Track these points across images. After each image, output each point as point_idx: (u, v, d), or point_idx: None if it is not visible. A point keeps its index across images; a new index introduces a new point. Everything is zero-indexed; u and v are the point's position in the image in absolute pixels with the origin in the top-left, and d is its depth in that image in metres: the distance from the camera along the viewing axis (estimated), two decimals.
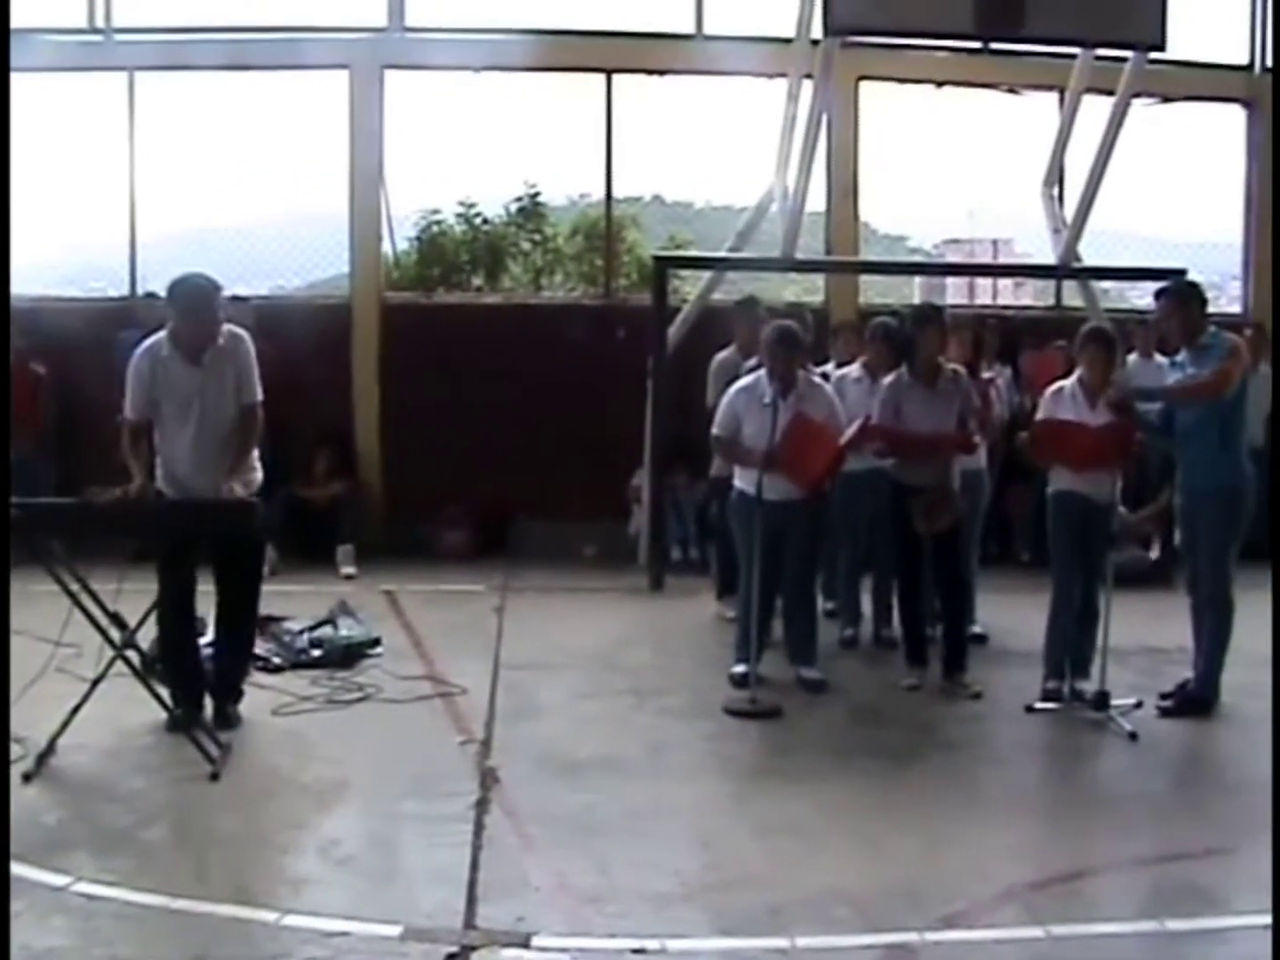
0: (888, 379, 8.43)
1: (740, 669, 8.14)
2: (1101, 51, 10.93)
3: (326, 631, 8.65)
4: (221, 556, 7.20)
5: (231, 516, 6.92)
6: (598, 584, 11.08)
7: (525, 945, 4.87)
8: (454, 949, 4.78)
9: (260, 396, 7.21)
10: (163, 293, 7.34)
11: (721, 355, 9.70)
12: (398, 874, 5.56)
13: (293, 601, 9.18)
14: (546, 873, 5.52)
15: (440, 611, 9.96)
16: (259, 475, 7.31)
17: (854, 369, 9.22)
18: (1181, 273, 11.28)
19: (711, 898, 5.37)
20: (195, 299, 7.00)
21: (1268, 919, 5.16)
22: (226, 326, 7.13)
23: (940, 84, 12.85)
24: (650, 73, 12.58)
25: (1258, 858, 5.73)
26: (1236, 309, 13.70)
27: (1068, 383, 8.08)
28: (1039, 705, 7.86)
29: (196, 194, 12.43)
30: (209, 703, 7.26)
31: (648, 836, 5.94)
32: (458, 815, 6.05)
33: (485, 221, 13.43)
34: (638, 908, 5.22)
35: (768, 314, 9.42)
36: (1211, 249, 13.88)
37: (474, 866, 5.53)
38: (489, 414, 11.92)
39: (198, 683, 7.23)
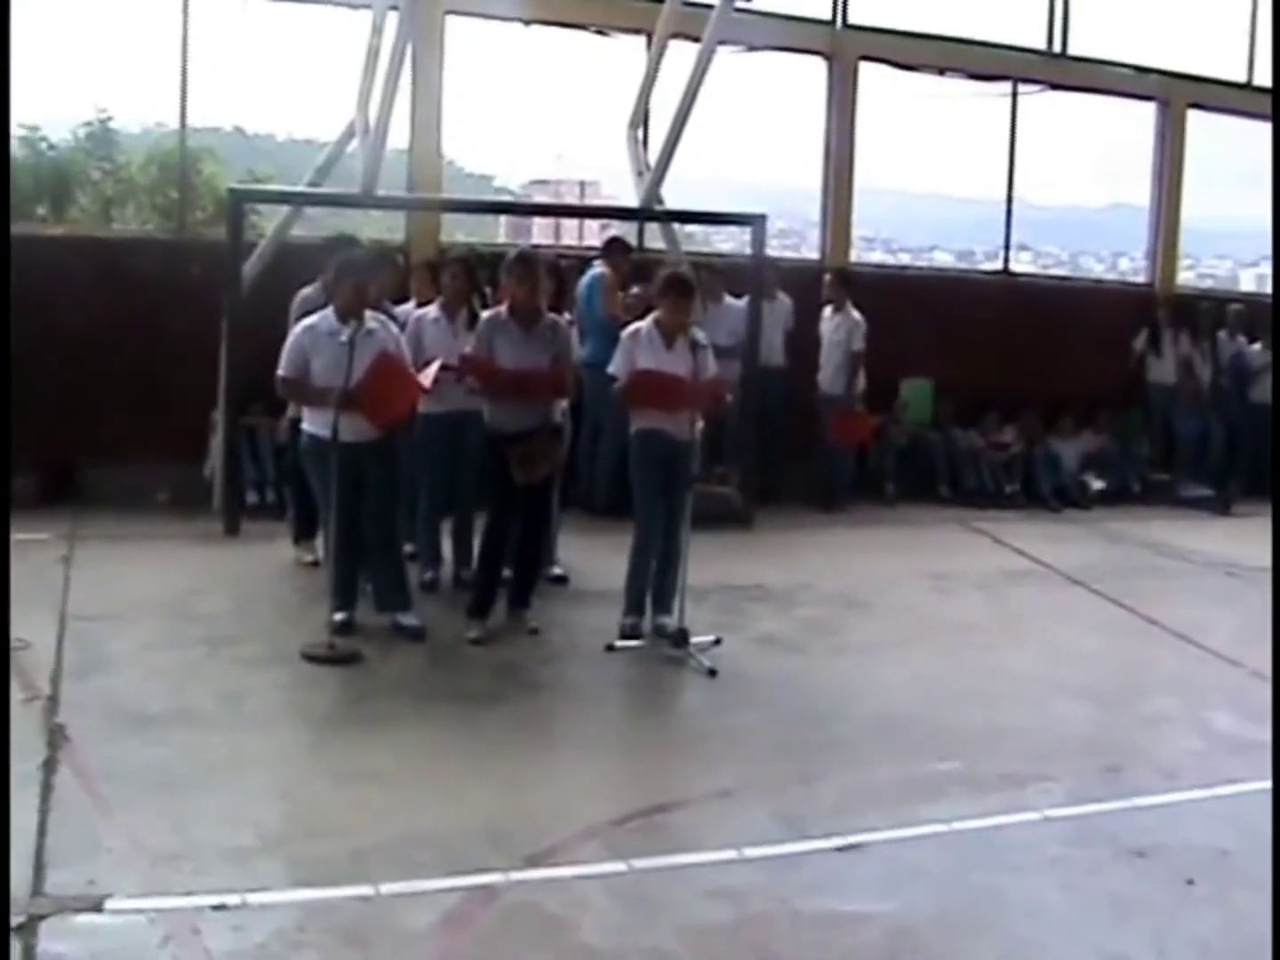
0: (485, 314, 8.42)
1: (341, 615, 8.01)
2: None
3: None
4: None
5: None
6: (171, 530, 10.71)
7: (98, 909, 4.73)
8: (21, 919, 4.58)
9: None
10: None
11: (305, 291, 9.45)
12: None
13: None
14: (120, 833, 5.36)
15: None
16: None
17: (432, 309, 9.15)
18: (761, 218, 11.67)
19: (292, 848, 5.34)
20: None
21: (840, 840, 5.50)
22: None
23: (529, 22, 12.88)
24: None
25: (835, 784, 6.10)
26: (815, 255, 14.32)
27: (645, 324, 8.25)
28: (619, 644, 8.04)
29: None
30: None
31: (225, 789, 5.85)
32: (24, 777, 5.76)
33: (51, 148, 12.76)
34: (216, 863, 5.14)
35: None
36: (793, 196, 14.39)
37: (41, 831, 5.32)
38: (54, 353, 11.29)
39: None
